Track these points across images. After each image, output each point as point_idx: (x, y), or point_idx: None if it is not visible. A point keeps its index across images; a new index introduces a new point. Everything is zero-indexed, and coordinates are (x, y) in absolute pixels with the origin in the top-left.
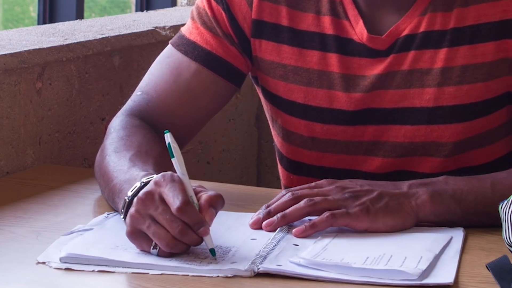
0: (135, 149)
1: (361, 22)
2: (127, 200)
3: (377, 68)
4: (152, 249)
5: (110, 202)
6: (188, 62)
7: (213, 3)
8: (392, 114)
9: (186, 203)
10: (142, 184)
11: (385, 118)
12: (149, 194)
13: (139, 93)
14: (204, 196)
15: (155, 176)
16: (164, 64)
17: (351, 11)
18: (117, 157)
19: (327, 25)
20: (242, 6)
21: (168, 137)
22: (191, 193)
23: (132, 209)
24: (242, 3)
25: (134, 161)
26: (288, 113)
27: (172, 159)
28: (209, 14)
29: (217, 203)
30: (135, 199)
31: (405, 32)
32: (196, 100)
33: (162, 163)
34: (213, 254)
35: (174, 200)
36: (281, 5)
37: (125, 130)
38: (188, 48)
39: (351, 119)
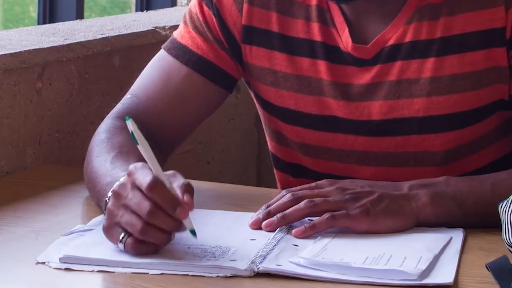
0: (117, 150)
1: (346, 30)
2: (107, 201)
3: (364, 78)
4: (119, 243)
5: (98, 205)
6: (179, 66)
7: (205, 8)
8: (382, 126)
9: (156, 181)
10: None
11: (375, 130)
12: (122, 185)
13: (128, 96)
14: (176, 184)
15: None
16: (155, 68)
17: (338, 19)
18: (99, 161)
19: (315, 32)
20: (232, 11)
21: (130, 125)
22: (164, 178)
23: (109, 204)
24: (232, 9)
25: (115, 163)
26: (280, 119)
27: (138, 147)
28: (201, 18)
29: (190, 189)
30: (111, 194)
31: (391, 42)
32: (185, 103)
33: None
34: (193, 235)
35: (144, 180)
36: (271, 11)
37: (107, 133)
38: (179, 52)
39: (341, 127)
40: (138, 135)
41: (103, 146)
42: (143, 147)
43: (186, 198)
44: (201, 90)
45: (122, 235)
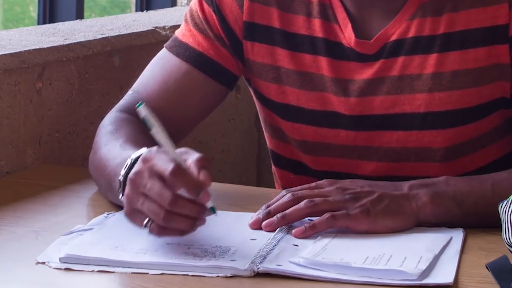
0: (124, 137)
1: (349, 26)
2: (121, 180)
3: (366, 73)
4: (144, 227)
5: (109, 191)
6: (179, 63)
7: (205, 5)
8: (383, 120)
9: (178, 167)
10: (132, 161)
11: (377, 124)
12: (138, 172)
13: (130, 92)
14: (190, 160)
15: (144, 148)
16: (157, 66)
17: (340, 14)
18: (107, 148)
19: (317, 28)
20: (233, 8)
21: (143, 110)
22: (181, 160)
23: (126, 190)
24: (233, 5)
25: (124, 146)
26: (280, 116)
27: (151, 132)
28: (201, 16)
29: (206, 163)
30: (127, 181)
31: (394, 37)
32: (185, 100)
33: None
34: (213, 211)
35: (166, 167)
36: (272, 7)
37: (113, 124)
38: (180, 49)
39: (343, 123)
40: (151, 119)
41: (110, 136)
42: (157, 130)
43: (202, 175)
44: (201, 86)
45: (146, 220)
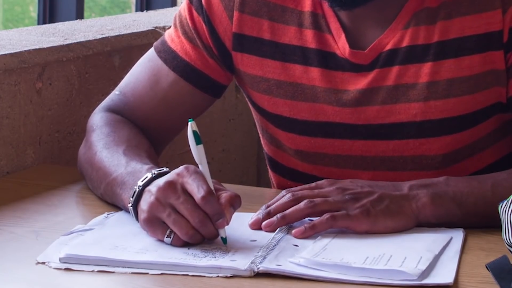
0: (125, 143)
1: (343, 36)
2: (137, 189)
3: (361, 83)
4: (166, 237)
5: (109, 194)
6: (167, 71)
7: (195, 14)
8: (379, 130)
9: (210, 193)
10: (154, 175)
11: (372, 134)
12: (171, 183)
13: (117, 92)
14: (224, 195)
15: (165, 168)
16: (145, 68)
17: (334, 25)
18: (110, 152)
19: (309, 39)
20: (222, 19)
21: (193, 125)
22: (211, 185)
23: (152, 197)
24: (222, 16)
25: (129, 155)
26: (275, 126)
27: (198, 146)
28: (190, 24)
29: (236, 203)
30: (154, 188)
31: (388, 47)
32: (171, 110)
33: (153, 155)
34: (224, 242)
35: (198, 190)
36: (262, 18)
37: (110, 126)
38: (168, 56)
39: (338, 133)
40: (199, 136)
41: (110, 139)
42: (199, 151)
43: (227, 214)
44: (188, 97)
45: (169, 231)
